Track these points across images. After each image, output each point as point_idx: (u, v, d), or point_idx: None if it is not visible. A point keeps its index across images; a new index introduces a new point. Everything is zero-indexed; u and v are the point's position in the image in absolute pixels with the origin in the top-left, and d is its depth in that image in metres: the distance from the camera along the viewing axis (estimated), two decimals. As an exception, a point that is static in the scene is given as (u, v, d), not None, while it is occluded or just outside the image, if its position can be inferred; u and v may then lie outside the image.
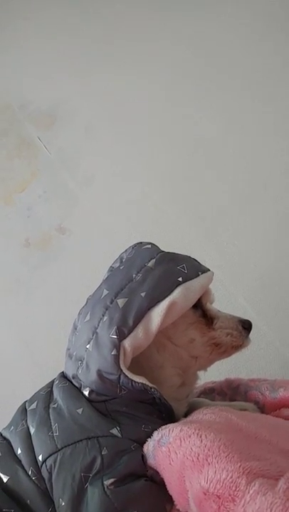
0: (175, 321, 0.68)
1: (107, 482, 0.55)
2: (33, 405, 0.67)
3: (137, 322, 0.64)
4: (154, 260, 0.70)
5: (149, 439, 0.60)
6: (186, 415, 0.70)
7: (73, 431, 0.60)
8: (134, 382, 0.62)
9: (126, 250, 0.78)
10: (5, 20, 1.94)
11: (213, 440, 0.53)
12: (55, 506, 0.57)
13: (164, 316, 0.64)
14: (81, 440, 0.59)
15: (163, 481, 0.57)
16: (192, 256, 0.75)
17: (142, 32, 1.75)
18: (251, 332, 0.76)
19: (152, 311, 0.64)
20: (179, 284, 0.67)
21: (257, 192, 1.38)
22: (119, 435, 0.60)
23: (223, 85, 1.57)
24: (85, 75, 1.75)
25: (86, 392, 0.65)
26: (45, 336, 1.33)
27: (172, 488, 0.55)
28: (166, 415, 0.67)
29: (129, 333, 0.63)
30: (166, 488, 0.56)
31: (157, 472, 0.57)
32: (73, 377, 0.68)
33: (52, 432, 0.61)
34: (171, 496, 0.56)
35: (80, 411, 0.62)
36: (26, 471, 0.60)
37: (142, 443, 0.60)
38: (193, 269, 0.70)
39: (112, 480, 0.55)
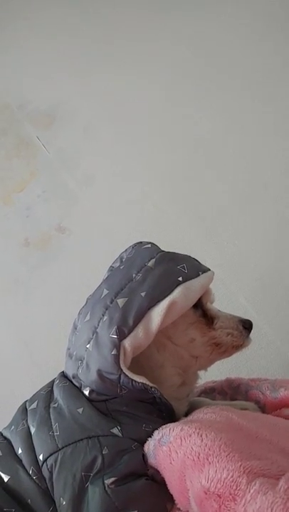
0: (175, 321, 0.68)
1: (108, 481, 0.55)
2: (34, 405, 0.67)
3: (137, 322, 0.64)
4: (154, 260, 0.70)
5: (149, 439, 0.60)
6: (186, 414, 0.70)
7: (74, 430, 0.60)
8: (135, 381, 0.62)
9: (126, 250, 0.78)
10: (5, 20, 1.94)
11: (214, 439, 0.53)
12: (56, 506, 0.57)
13: (164, 316, 0.64)
14: (82, 439, 0.59)
15: (164, 481, 0.57)
16: (192, 255, 0.75)
17: (142, 32, 1.75)
18: (252, 332, 0.76)
19: (152, 311, 0.64)
20: (179, 283, 0.67)
21: (257, 192, 1.38)
22: (120, 434, 0.60)
23: (223, 85, 1.57)
24: (85, 75, 1.75)
25: (86, 392, 0.65)
26: (44, 336, 1.33)
27: (173, 487, 0.55)
28: (167, 415, 0.67)
29: (129, 333, 0.63)
30: (166, 488, 0.56)
31: (158, 471, 0.57)
32: (73, 377, 0.68)
33: (52, 432, 0.61)
34: (171, 495, 0.56)
35: (80, 410, 0.62)
36: (27, 471, 0.60)
37: (142, 442, 0.60)
38: (194, 268, 0.70)
39: (112, 479, 0.55)
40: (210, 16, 1.69)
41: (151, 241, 0.77)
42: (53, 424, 0.62)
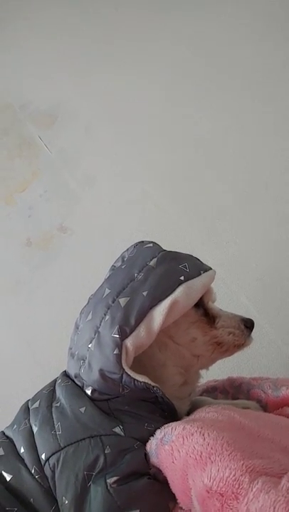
0: (177, 320, 0.68)
1: (110, 480, 0.55)
2: (36, 404, 0.67)
3: (139, 321, 0.64)
4: (155, 259, 0.70)
5: (151, 438, 0.60)
6: (188, 414, 0.70)
7: (76, 429, 0.60)
8: (137, 381, 0.62)
9: (128, 249, 0.78)
10: (5, 20, 1.95)
11: (216, 438, 0.53)
12: (59, 505, 0.58)
13: (166, 315, 0.64)
14: (84, 439, 0.59)
15: (166, 480, 0.57)
16: (193, 255, 0.75)
17: (142, 32, 1.76)
18: (253, 331, 0.76)
19: (154, 310, 0.64)
20: (181, 282, 0.67)
21: (257, 192, 1.38)
22: (122, 434, 0.60)
23: (223, 85, 1.57)
24: (85, 75, 1.75)
25: (88, 391, 0.65)
26: (46, 336, 1.33)
27: (175, 486, 0.55)
28: (169, 414, 0.67)
29: (131, 332, 0.63)
30: (169, 487, 0.56)
31: (160, 470, 0.57)
32: (76, 377, 0.68)
33: (55, 431, 0.61)
34: (174, 494, 0.56)
35: (82, 410, 0.62)
36: (29, 470, 0.60)
37: (144, 441, 0.60)
38: (195, 267, 0.70)
39: (115, 478, 0.55)
40: (210, 15, 1.69)
41: (153, 240, 0.77)
42: (55, 423, 0.62)
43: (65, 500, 0.56)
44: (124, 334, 0.63)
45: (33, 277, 1.44)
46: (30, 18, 1.94)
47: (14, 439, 0.65)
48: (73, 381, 0.69)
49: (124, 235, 1.37)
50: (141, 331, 0.63)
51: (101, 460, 0.57)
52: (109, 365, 0.62)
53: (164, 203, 1.45)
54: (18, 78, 1.83)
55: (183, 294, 0.66)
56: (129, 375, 0.62)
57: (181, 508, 0.56)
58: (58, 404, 0.66)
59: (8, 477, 0.61)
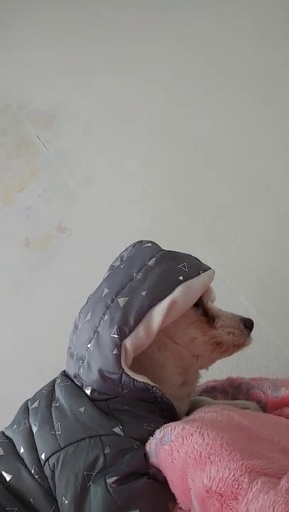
0: (176, 320, 0.68)
1: (110, 480, 0.55)
2: (35, 404, 0.67)
3: (138, 321, 0.64)
4: (154, 259, 0.70)
5: (151, 438, 0.60)
6: (188, 414, 0.70)
7: (76, 429, 0.60)
8: (136, 381, 0.62)
9: (126, 249, 0.78)
10: (5, 20, 1.95)
11: (215, 438, 0.53)
12: (58, 505, 0.58)
13: (165, 315, 0.64)
14: (84, 439, 0.59)
15: (165, 480, 0.57)
16: (193, 255, 0.75)
17: (142, 32, 1.76)
18: (252, 331, 0.76)
19: (153, 310, 0.64)
20: (180, 282, 0.67)
21: (257, 192, 1.38)
22: (122, 434, 0.60)
23: (223, 85, 1.58)
24: (85, 75, 1.75)
25: (88, 391, 0.65)
26: (45, 336, 1.33)
27: (175, 486, 0.55)
28: (168, 414, 0.67)
29: (130, 333, 0.63)
30: (168, 487, 0.56)
31: (160, 470, 0.57)
32: (75, 377, 0.68)
33: (54, 431, 0.61)
34: (173, 494, 0.56)
35: (82, 410, 0.62)
36: (29, 470, 0.60)
37: (144, 441, 0.60)
38: (194, 267, 0.70)
39: (114, 478, 0.55)
40: (210, 15, 1.69)
41: (152, 240, 0.77)
42: (54, 423, 0.62)
43: (65, 500, 0.56)
44: (123, 334, 0.63)
45: (32, 277, 1.44)
46: (30, 18, 1.94)
47: (14, 439, 0.65)
48: (72, 381, 0.68)
49: (124, 235, 1.37)
50: (140, 331, 0.63)
51: (101, 460, 0.57)
52: (109, 365, 0.62)
53: (164, 203, 1.45)
54: (18, 78, 1.83)
55: (182, 294, 0.65)
56: (128, 375, 0.62)
57: (180, 508, 0.56)
58: (57, 404, 0.66)
59: (8, 477, 0.61)
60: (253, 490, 0.45)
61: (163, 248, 0.75)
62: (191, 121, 1.55)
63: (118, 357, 0.62)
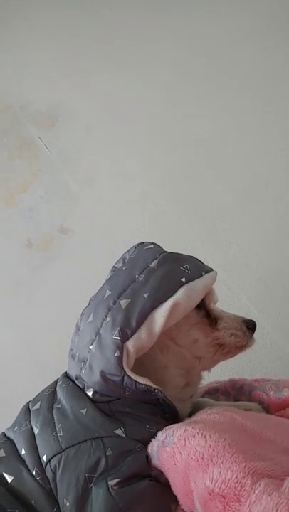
0: (178, 322, 0.68)
1: (112, 482, 0.55)
2: (37, 405, 0.67)
3: (140, 323, 0.63)
4: (156, 261, 0.70)
5: (153, 440, 0.60)
6: (190, 415, 0.70)
7: (77, 431, 0.60)
8: (138, 383, 0.62)
9: (128, 250, 0.78)
10: (5, 20, 1.95)
11: (218, 440, 0.53)
12: (60, 506, 0.57)
13: (167, 317, 0.64)
14: (85, 440, 0.59)
15: (167, 482, 0.57)
16: (194, 256, 0.75)
17: (142, 32, 1.75)
18: (255, 332, 0.76)
19: (155, 312, 0.64)
20: (182, 284, 0.66)
21: (257, 192, 1.38)
22: (124, 436, 0.60)
23: (223, 85, 1.57)
24: (85, 75, 1.75)
25: (90, 393, 0.65)
26: (46, 337, 1.33)
27: (177, 488, 0.55)
28: (171, 416, 0.67)
29: (132, 334, 0.63)
30: (170, 489, 0.56)
31: (162, 472, 0.57)
32: (76, 378, 0.68)
33: (56, 433, 0.61)
34: (176, 496, 0.56)
35: (84, 411, 0.62)
36: (30, 472, 0.60)
37: (146, 443, 0.60)
38: (197, 269, 0.70)
39: (116, 480, 0.55)
40: (210, 16, 1.69)
41: (153, 241, 0.77)
42: (56, 424, 0.62)
43: (67, 502, 0.56)
44: (125, 336, 0.63)
45: (34, 278, 1.44)
46: (30, 18, 1.94)
47: (15, 441, 0.65)
48: (74, 382, 0.68)
49: (125, 235, 1.37)
50: (142, 333, 0.63)
51: (102, 462, 0.57)
52: (111, 367, 0.62)
53: (164, 203, 1.45)
54: (18, 78, 1.83)
55: (184, 296, 0.65)
56: (130, 378, 0.62)
57: (182, 510, 0.55)
58: (59, 406, 0.65)
59: (9, 479, 0.61)
60: (256, 492, 0.45)
61: (164, 249, 0.75)
62: (191, 121, 1.55)
63: (120, 359, 0.62)
